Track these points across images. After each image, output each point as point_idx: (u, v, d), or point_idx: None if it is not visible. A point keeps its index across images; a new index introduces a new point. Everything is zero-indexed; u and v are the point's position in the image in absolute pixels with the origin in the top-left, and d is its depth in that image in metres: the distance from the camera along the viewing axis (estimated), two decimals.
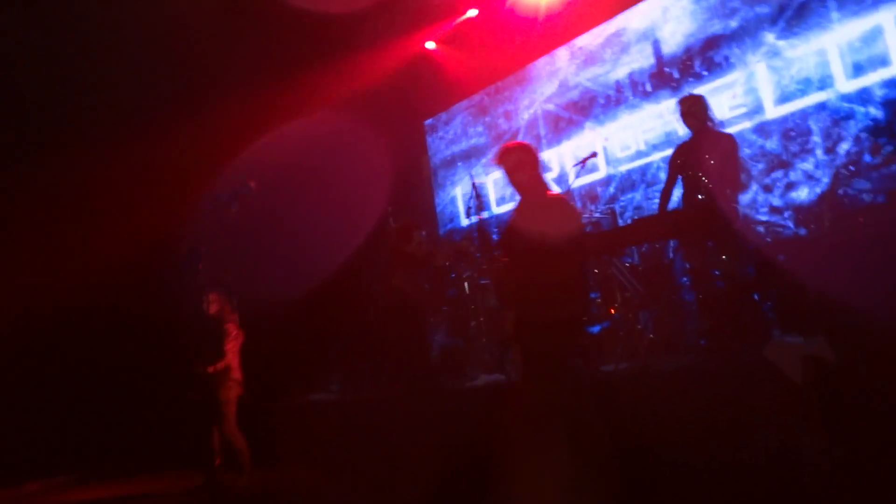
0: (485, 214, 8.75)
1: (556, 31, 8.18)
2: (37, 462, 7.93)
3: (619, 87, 7.67)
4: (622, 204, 7.48)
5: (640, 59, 7.47)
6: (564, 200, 3.89)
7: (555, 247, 3.60)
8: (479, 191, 8.06)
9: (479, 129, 9.18)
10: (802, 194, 6.09)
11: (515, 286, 3.77)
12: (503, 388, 5.12)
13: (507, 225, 3.96)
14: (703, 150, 5.11)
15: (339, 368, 7.29)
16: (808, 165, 6.09)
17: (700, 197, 5.06)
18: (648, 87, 7.39)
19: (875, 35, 5.74)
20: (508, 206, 8.55)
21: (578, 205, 7.78)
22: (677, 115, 5.42)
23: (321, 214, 8.43)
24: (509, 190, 8.60)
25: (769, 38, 6.40)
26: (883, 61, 5.69)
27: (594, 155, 5.93)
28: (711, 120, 5.30)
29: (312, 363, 7.53)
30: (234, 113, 7.77)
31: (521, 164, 3.81)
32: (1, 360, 7.91)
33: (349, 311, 7.46)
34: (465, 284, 6.67)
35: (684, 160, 5.24)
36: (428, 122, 9.80)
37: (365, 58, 8.93)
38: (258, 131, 7.93)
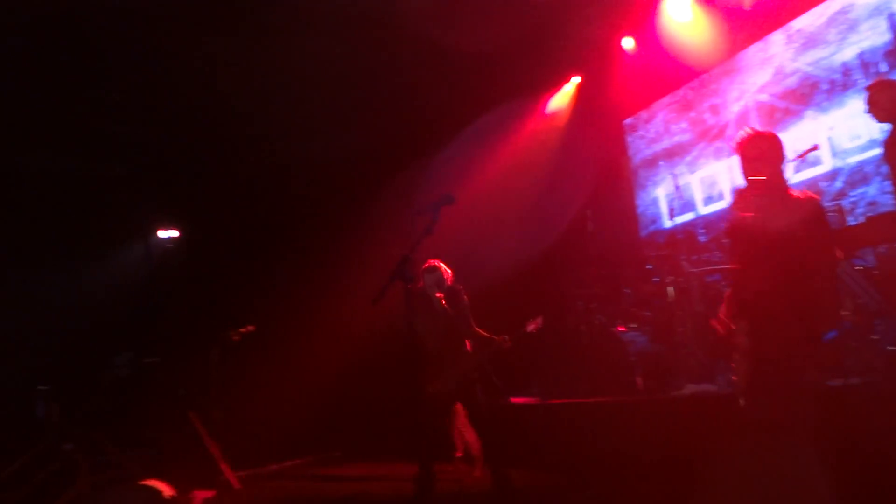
0: (689, 216, 8.35)
1: (768, 15, 7.56)
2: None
3: (846, 69, 6.89)
4: (852, 199, 6.71)
5: (871, 37, 6.66)
6: (813, 200, 3.51)
7: (802, 253, 3.29)
8: (682, 191, 7.75)
9: (683, 125, 8.74)
10: None
11: (754, 295, 3.49)
12: (714, 399, 4.85)
13: (737, 225, 3.64)
14: None
15: (539, 371, 7.34)
16: None
17: None
18: (883, 67, 6.56)
19: None
20: (716, 206, 8.05)
21: None
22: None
23: (520, 218, 8.54)
24: (717, 189, 8.13)
25: None
26: None
27: (816, 147, 5.39)
28: None
29: (512, 365, 7.65)
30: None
31: (764, 155, 3.51)
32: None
33: (549, 315, 7.47)
34: (669, 289, 6.40)
35: None
36: (627, 120, 9.53)
37: (560, 58, 8.95)
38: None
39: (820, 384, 4.35)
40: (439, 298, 5.84)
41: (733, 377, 3.67)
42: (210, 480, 6.86)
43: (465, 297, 5.24)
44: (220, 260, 10.95)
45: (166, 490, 4.84)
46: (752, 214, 3.53)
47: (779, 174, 3.52)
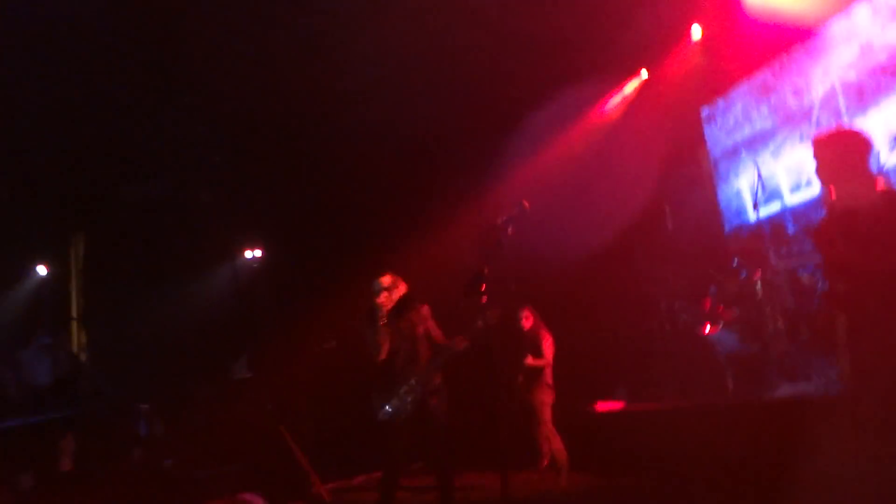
0: (776, 206, 7.94)
1: None
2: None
3: None
4: None
5: None
6: None
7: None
8: (766, 181, 7.39)
9: (764, 111, 8.32)
10: None
11: (851, 288, 3.26)
12: (812, 400, 4.57)
13: (828, 226, 3.41)
14: None
15: (624, 375, 7.16)
16: None
17: None
18: None
19: None
20: (804, 195, 7.63)
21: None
22: None
23: (597, 217, 8.36)
24: (805, 176, 7.69)
25: None
26: None
27: None
28: None
29: (597, 368, 7.49)
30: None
31: (846, 155, 3.25)
32: None
33: (630, 316, 7.29)
34: (758, 285, 6.10)
35: None
36: (704, 110, 9.16)
37: (630, 49, 8.75)
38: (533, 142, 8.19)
39: None
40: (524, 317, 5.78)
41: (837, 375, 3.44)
42: (302, 493, 7.03)
43: (424, 307, 5.08)
44: (303, 276, 11.28)
45: None
46: (840, 219, 3.28)
47: (866, 172, 3.26)
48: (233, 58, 8.29)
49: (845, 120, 7.28)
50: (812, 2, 7.36)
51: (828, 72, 7.51)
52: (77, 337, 12.33)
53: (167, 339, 11.31)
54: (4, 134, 9.28)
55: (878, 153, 6.77)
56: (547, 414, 6.14)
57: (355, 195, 10.56)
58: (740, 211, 8.55)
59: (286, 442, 7.43)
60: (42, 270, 12.82)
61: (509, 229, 3.60)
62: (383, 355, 4.91)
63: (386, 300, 4.95)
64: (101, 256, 12.46)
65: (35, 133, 9.43)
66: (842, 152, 3.25)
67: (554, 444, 6.08)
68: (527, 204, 3.60)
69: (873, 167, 3.30)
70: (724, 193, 8.80)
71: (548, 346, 6.43)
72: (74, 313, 12.55)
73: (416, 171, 9.58)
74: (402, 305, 5.04)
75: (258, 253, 12.59)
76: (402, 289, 5.10)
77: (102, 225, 12.00)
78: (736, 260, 6.29)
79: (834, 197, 3.34)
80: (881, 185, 3.25)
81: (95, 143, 9.63)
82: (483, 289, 3.53)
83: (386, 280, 5.05)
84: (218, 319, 11.46)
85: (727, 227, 8.62)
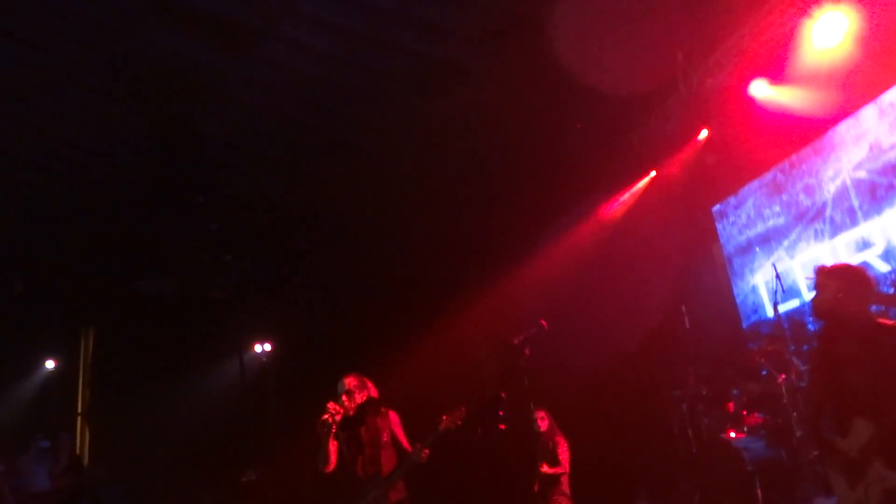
0: (795, 303, 7.82)
1: (856, 91, 7.26)
2: None
3: None
4: None
5: None
6: None
7: None
8: (783, 278, 7.30)
9: (777, 209, 8.34)
10: None
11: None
12: None
13: (821, 359, 3.53)
14: None
15: (646, 482, 6.84)
16: None
17: None
18: None
19: None
20: None
21: None
22: None
23: (613, 319, 8.25)
24: None
25: None
26: None
27: None
28: None
29: (616, 476, 7.18)
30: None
31: (845, 290, 3.37)
32: None
33: (650, 420, 7.04)
34: (783, 388, 5.89)
35: None
36: (716, 208, 9.20)
37: (641, 151, 8.90)
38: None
39: None
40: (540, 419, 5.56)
41: None
42: None
43: (392, 413, 4.78)
44: (313, 371, 11.11)
45: None
46: (835, 349, 3.40)
47: (864, 309, 3.35)
48: (246, 158, 8.51)
49: (860, 217, 7.26)
50: (820, 103, 7.50)
51: (838, 170, 7.57)
52: (82, 434, 12.09)
53: (173, 435, 11.06)
54: (19, 226, 9.43)
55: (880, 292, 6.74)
56: None
57: (367, 292, 10.56)
58: (757, 307, 8.42)
59: None
60: (50, 364, 12.72)
61: (527, 350, 3.49)
62: (329, 466, 4.58)
63: (345, 403, 4.63)
64: (111, 351, 12.39)
65: (49, 226, 9.59)
66: (844, 288, 3.31)
67: None
68: (545, 323, 3.52)
69: (872, 306, 3.38)
70: (740, 290, 8.70)
71: (563, 451, 6.19)
72: (80, 409, 12.36)
73: (426, 270, 9.60)
74: (365, 410, 4.71)
75: (268, 347, 12.48)
76: (367, 392, 4.79)
77: (113, 319, 12.00)
78: (762, 365, 6.10)
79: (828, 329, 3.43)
80: (876, 321, 3.30)
81: (109, 237, 9.77)
82: (501, 414, 3.39)
83: (350, 381, 4.78)
84: (226, 416, 11.24)
85: (745, 324, 8.47)
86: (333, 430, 4.50)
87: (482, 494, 5.57)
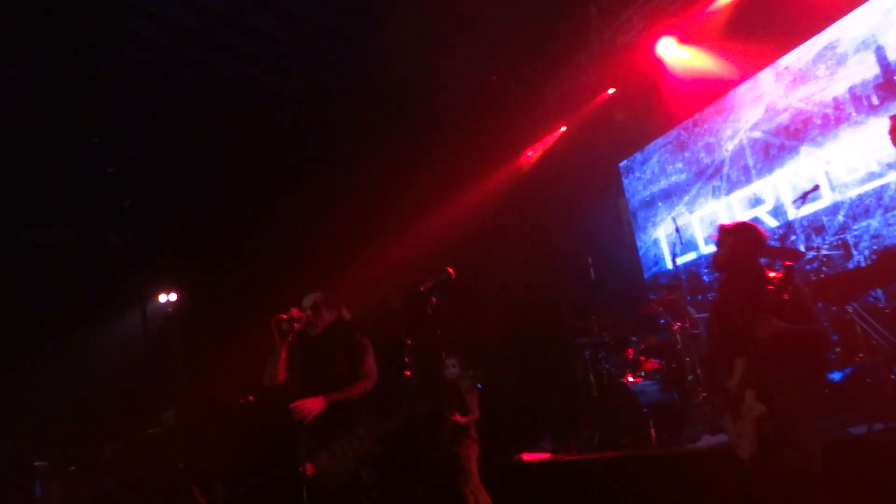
0: (692, 255, 8.25)
1: (756, 54, 7.60)
2: None
3: (837, 104, 6.88)
4: (855, 234, 6.62)
5: (860, 71, 6.67)
6: (794, 284, 3.56)
7: (786, 339, 3.39)
8: (682, 231, 7.67)
9: (679, 165, 8.71)
10: None
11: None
12: (732, 452, 4.66)
13: (717, 309, 3.84)
14: None
15: (549, 424, 7.15)
16: None
17: None
18: (875, 100, 6.55)
19: None
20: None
21: (802, 238, 7.03)
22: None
23: (521, 268, 8.44)
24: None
25: None
26: None
27: (817, 188, 5.31)
28: None
29: (523, 417, 7.46)
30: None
31: (740, 244, 3.68)
32: None
33: (555, 366, 7.33)
34: (677, 335, 6.26)
35: None
36: (622, 163, 9.51)
37: (553, 104, 9.02)
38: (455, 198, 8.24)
39: (837, 429, 4.22)
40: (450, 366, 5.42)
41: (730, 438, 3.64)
42: None
43: (365, 339, 4.19)
44: (222, 321, 10.83)
45: None
46: (730, 296, 3.72)
47: (753, 261, 3.71)
48: (141, 98, 8.04)
49: (754, 175, 7.69)
50: (722, 64, 7.80)
51: (736, 131, 7.95)
52: None
53: (72, 390, 10.60)
54: None
55: (784, 208, 7.20)
56: (474, 468, 6.00)
57: (274, 235, 10.29)
58: (658, 259, 8.85)
59: (199, 502, 7.00)
60: None
61: (434, 298, 3.51)
62: (276, 379, 4.02)
63: (309, 316, 4.11)
64: (1, 302, 11.64)
65: None
66: (738, 244, 3.56)
67: (481, 498, 5.94)
68: (452, 271, 3.54)
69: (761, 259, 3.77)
70: (643, 242, 9.10)
71: (474, 399, 6.32)
72: None
73: (336, 213, 9.43)
74: (333, 332, 4.16)
75: (173, 297, 12.05)
76: (338, 313, 4.26)
77: (2, 269, 11.23)
78: (661, 315, 6.43)
79: (724, 281, 3.79)
80: (763, 272, 3.60)
81: None
82: (406, 361, 3.41)
83: (317, 296, 4.24)
84: (128, 370, 10.84)
85: (646, 275, 8.90)
86: (290, 339, 3.97)
87: (387, 442, 5.67)
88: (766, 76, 7.63)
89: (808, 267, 6.34)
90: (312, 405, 3.89)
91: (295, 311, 4.06)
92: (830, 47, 6.96)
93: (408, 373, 3.40)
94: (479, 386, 5.11)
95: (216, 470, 7.18)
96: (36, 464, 8.53)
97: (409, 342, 3.42)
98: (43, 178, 8.84)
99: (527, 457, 6.72)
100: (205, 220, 10.27)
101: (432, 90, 8.13)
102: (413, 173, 8.53)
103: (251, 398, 7.36)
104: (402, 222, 8.58)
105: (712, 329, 3.84)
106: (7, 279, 10.85)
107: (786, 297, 3.37)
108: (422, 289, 3.52)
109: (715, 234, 3.79)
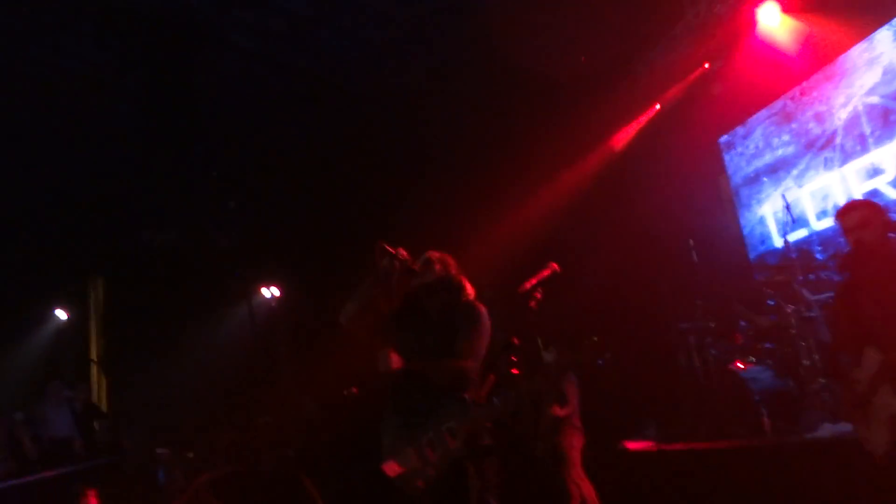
0: (803, 232, 7.77)
1: (871, 11, 7.03)
2: None
3: None
4: None
5: None
6: None
7: None
8: (792, 208, 7.24)
9: (786, 138, 8.19)
10: None
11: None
12: (856, 442, 4.36)
13: (846, 293, 3.59)
14: None
15: (654, 412, 6.93)
16: None
17: None
18: None
19: None
20: (831, 221, 7.46)
21: None
22: None
23: (618, 252, 8.21)
24: (831, 202, 7.53)
25: None
26: None
27: None
28: None
29: (626, 405, 7.27)
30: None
31: (866, 222, 3.45)
32: None
33: (659, 353, 7.09)
34: (791, 318, 5.90)
35: None
36: (723, 138, 9.04)
37: (649, 83, 8.71)
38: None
39: None
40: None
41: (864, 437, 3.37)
42: None
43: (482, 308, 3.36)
44: (323, 315, 11.20)
45: None
46: (860, 281, 3.49)
47: (884, 238, 3.45)
48: (245, 101, 8.37)
49: (871, 144, 7.14)
50: (832, 27, 7.27)
51: (850, 97, 7.39)
52: (97, 381, 12.31)
53: (187, 381, 11.26)
54: (26, 177, 9.39)
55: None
56: (576, 458, 5.90)
57: (368, 235, 10.53)
58: (765, 238, 8.37)
59: (309, 493, 7.24)
60: (62, 314, 12.87)
61: (538, 293, 3.44)
62: (346, 317, 3.30)
63: (415, 266, 3.33)
64: (120, 300, 12.51)
65: (55, 176, 9.54)
66: (884, 224, 3.45)
67: (584, 489, 5.85)
68: (556, 266, 3.46)
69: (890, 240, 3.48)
70: (747, 221, 8.64)
71: (572, 389, 6.18)
72: (94, 356, 12.55)
73: (429, 208, 9.50)
74: (441, 292, 3.33)
75: (276, 292, 12.55)
76: (453, 273, 3.44)
77: (121, 269, 12.06)
78: (769, 296, 6.09)
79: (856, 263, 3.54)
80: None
81: (114, 188, 9.72)
82: (514, 359, 3.35)
83: (432, 253, 3.49)
84: (237, 361, 11.39)
85: (752, 255, 8.44)
86: (388, 279, 3.20)
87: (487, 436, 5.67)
88: (883, 36, 7.04)
89: None
90: (393, 359, 3.16)
91: (402, 251, 3.34)
92: None
93: (515, 371, 3.32)
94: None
95: (324, 459, 7.42)
96: (158, 451, 9.08)
97: (515, 341, 3.36)
98: (156, 184, 9.40)
99: (631, 445, 6.56)
100: (305, 218, 10.63)
101: (524, 71, 8.01)
102: (506, 159, 8.46)
103: (354, 390, 7.54)
104: (497, 210, 8.53)
105: (838, 314, 3.59)
106: (125, 277, 11.64)
107: None
108: (527, 286, 3.45)
109: (855, 211, 3.53)
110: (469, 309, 3.31)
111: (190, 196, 9.45)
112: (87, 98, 7.97)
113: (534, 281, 3.46)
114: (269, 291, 12.45)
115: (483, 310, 3.31)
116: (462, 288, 3.42)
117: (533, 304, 3.37)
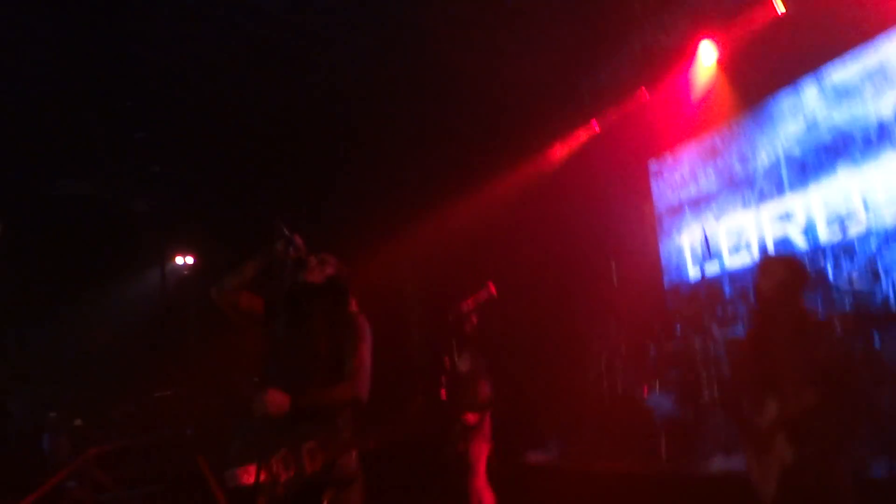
0: (715, 267, 8.13)
1: (799, 64, 7.38)
2: None
3: (882, 125, 6.69)
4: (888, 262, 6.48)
5: None
6: (829, 325, 3.49)
7: (819, 380, 3.28)
8: (709, 241, 7.55)
9: (710, 172, 8.54)
10: None
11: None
12: (744, 481, 4.61)
13: (752, 340, 3.73)
14: None
15: (556, 427, 7.13)
16: None
17: None
18: None
19: None
20: (742, 258, 7.85)
21: (831, 262, 6.90)
22: None
23: (539, 265, 8.36)
24: (744, 239, 7.92)
25: None
26: None
27: None
28: None
29: (529, 417, 7.44)
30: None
31: (780, 282, 3.52)
32: None
33: (569, 370, 7.28)
34: (696, 348, 6.19)
35: None
36: (653, 164, 9.33)
37: (589, 102, 8.88)
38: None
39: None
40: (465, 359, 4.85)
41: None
42: None
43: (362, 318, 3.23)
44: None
45: None
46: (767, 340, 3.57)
47: (796, 302, 3.54)
48: (174, 64, 7.97)
49: (787, 190, 7.53)
50: (765, 72, 7.60)
51: (773, 143, 7.77)
52: None
53: (87, 345, 10.74)
54: None
55: (816, 230, 7.05)
56: (481, 466, 5.96)
57: (297, 214, 10.30)
58: (680, 268, 8.71)
59: (203, 473, 7.05)
60: None
61: (474, 317, 3.45)
62: (217, 292, 3.11)
63: (304, 252, 3.11)
64: (18, 250, 11.73)
65: None
66: (787, 280, 3.49)
67: (484, 497, 5.89)
68: (493, 289, 3.48)
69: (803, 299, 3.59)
70: (666, 249, 8.95)
71: (485, 393, 6.25)
72: None
73: (358, 196, 9.40)
74: (321, 291, 3.13)
75: (190, 260, 12.14)
76: (338, 274, 3.23)
77: (25, 216, 11.30)
78: (678, 326, 6.36)
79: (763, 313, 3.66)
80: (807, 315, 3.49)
81: (33, 130, 9.03)
82: (443, 381, 3.36)
83: (331, 258, 3.28)
84: (143, 329, 10.96)
85: (667, 283, 8.76)
86: (284, 269, 3.01)
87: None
88: (809, 89, 7.43)
89: (834, 297, 6.23)
90: (277, 401, 2.81)
91: (298, 238, 3.12)
92: (880, 67, 6.74)
93: (444, 395, 3.30)
94: None
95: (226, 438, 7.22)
96: (51, 414, 8.64)
97: (447, 362, 3.34)
98: (76, 134, 8.82)
99: (532, 458, 6.72)
100: (227, 191, 10.28)
101: (465, 78, 7.99)
102: (438, 162, 8.44)
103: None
104: (423, 212, 8.51)
105: (745, 360, 3.76)
106: (36, 230, 10.93)
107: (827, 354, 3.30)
108: (464, 309, 3.44)
109: (772, 269, 3.66)
110: (356, 323, 3.17)
111: (113, 153, 8.93)
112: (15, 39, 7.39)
113: (471, 304, 3.46)
114: (184, 260, 12.04)
115: (368, 324, 3.18)
116: (348, 297, 3.29)
117: (468, 328, 3.37)
